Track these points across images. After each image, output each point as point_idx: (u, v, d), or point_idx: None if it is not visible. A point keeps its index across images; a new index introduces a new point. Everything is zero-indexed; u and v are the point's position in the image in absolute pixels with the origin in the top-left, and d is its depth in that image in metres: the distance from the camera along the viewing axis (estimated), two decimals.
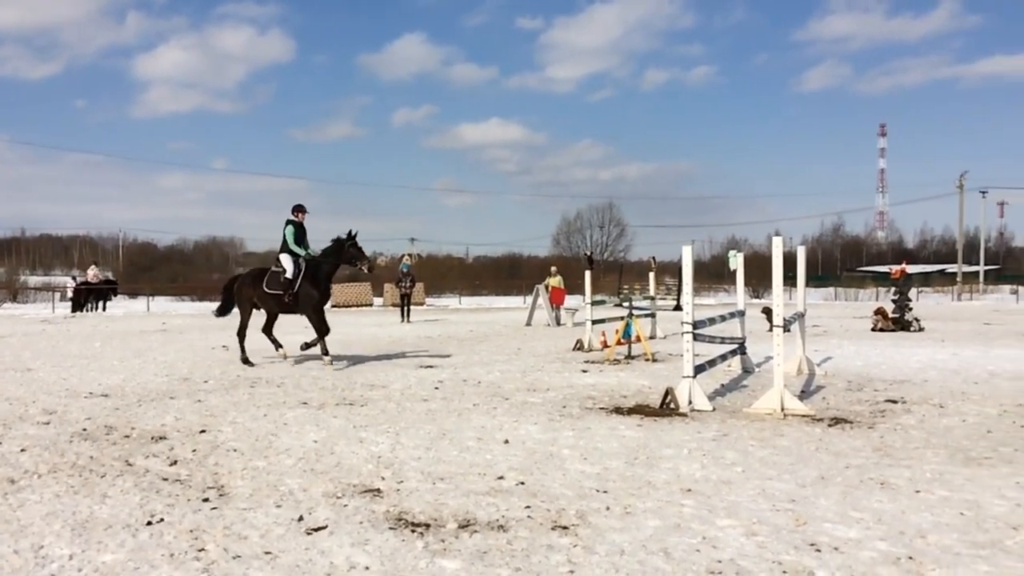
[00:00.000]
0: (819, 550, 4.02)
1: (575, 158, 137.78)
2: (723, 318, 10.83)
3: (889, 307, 21.26)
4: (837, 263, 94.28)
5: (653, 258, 29.41)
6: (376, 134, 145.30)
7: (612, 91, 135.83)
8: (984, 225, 77.30)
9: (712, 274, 65.19)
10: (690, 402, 8.24)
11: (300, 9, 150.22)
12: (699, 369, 8.66)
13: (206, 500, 4.98)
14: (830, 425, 7.38)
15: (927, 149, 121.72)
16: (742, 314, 11.88)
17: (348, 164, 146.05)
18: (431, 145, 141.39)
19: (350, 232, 12.39)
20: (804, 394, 9.19)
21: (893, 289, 22.73)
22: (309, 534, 4.31)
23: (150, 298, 45.36)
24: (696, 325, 8.65)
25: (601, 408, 8.42)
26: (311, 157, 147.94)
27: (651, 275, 20.38)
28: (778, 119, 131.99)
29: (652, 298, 19.55)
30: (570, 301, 26.58)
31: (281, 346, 13.01)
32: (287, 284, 12.21)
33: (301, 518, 4.59)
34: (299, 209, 12.70)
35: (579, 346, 15.40)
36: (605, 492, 5.11)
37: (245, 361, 12.63)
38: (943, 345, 15.85)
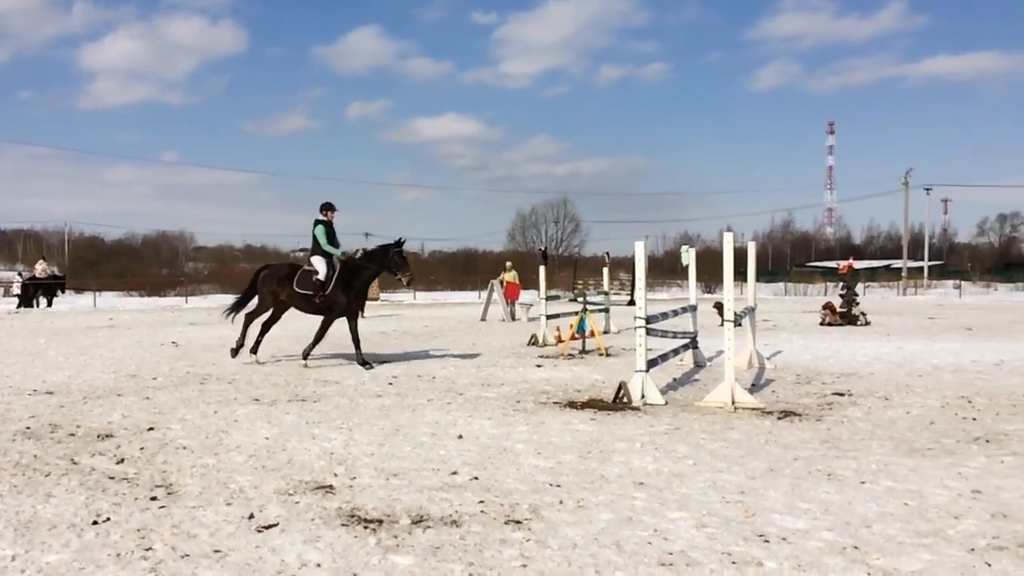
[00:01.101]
0: (767, 541, 4.09)
1: (530, 153, 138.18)
2: (675, 313, 10.95)
3: (837, 302, 21.67)
4: (787, 259, 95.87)
5: (607, 253, 29.56)
6: (330, 127, 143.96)
7: (567, 87, 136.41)
8: (928, 221, 79.37)
9: (665, 269, 65.83)
10: (643, 396, 8.32)
11: (252, 0, 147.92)
12: (652, 363, 8.74)
13: (154, 499, 4.89)
14: (779, 418, 7.51)
15: (874, 147, 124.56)
16: (694, 309, 12.02)
17: (302, 157, 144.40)
18: (386, 139, 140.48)
19: (399, 240, 11.91)
20: (754, 387, 9.33)
21: (841, 284, 23.19)
22: (260, 532, 4.26)
23: (97, 294, 44.42)
24: (649, 320, 8.73)
25: (555, 403, 8.45)
26: (264, 150, 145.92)
27: (605, 270, 20.48)
28: (730, 116, 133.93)
29: (606, 293, 19.68)
30: (525, 296, 26.63)
31: (258, 356, 12.37)
32: (320, 286, 11.64)
33: (252, 516, 4.53)
34: (328, 208, 12.11)
35: (533, 341, 15.45)
36: (558, 486, 5.14)
37: (239, 347, 12.25)
38: (889, 339, 16.21)
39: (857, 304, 21.36)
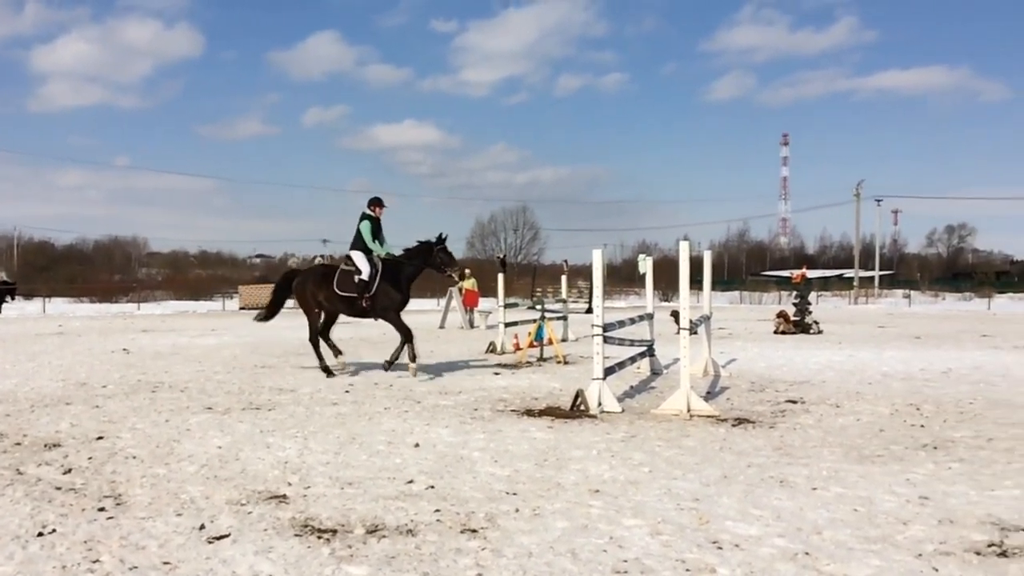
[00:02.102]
0: (721, 547, 4.13)
1: (489, 161, 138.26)
2: (632, 321, 11.03)
3: (791, 310, 22.01)
4: (742, 267, 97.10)
5: (565, 261, 29.64)
6: (287, 133, 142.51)
7: (527, 95, 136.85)
8: (879, 232, 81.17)
9: (623, 277, 66.24)
10: (600, 404, 8.35)
11: (208, 3, 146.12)
12: (609, 371, 8.79)
13: (102, 509, 4.79)
14: (734, 425, 7.59)
15: (827, 158, 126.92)
16: (651, 317, 12.11)
17: (258, 163, 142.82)
18: (344, 145, 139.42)
19: (440, 236, 11.40)
20: (710, 395, 9.43)
21: (794, 293, 23.54)
22: (211, 543, 4.19)
23: (46, 300, 43.41)
24: (606, 328, 8.78)
25: (512, 410, 8.45)
26: (219, 155, 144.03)
27: (563, 278, 20.57)
28: (687, 126, 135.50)
29: (564, 301, 19.75)
30: (484, 304, 26.61)
31: (340, 352, 11.93)
32: (363, 286, 11.03)
33: (203, 526, 4.46)
34: (376, 203, 11.47)
35: (492, 349, 15.44)
36: (515, 494, 5.13)
37: (325, 370, 11.45)
38: (840, 347, 16.50)
39: (810, 313, 21.71)
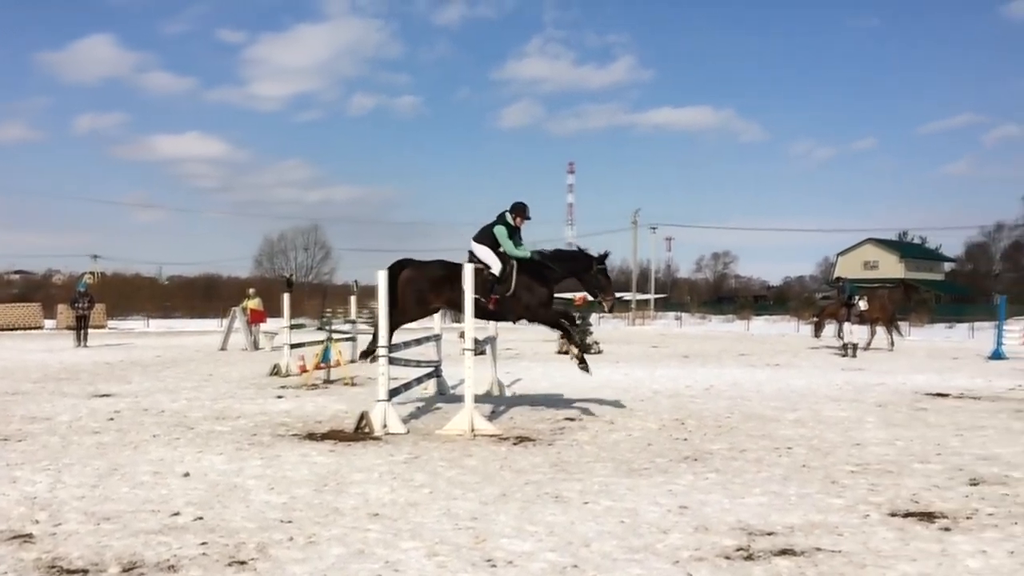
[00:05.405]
0: (495, 565, 4.20)
1: (280, 177, 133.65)
2: (419, 342, 11.05)
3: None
4: None
5: (356, 281, 29.26)
6: (56, 139, 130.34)
7: (320, 112, 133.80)
8: (655, 257, 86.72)
9: None
10: (385, 425, 8.29)
11: None
12: (394, 392, 8.75)
13: None
14: (515, 443, 7.78)
15: (609, 187, 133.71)
16: (439, 338, 12.20)
17: (21, 170, 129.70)
18: (120, 155, 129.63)
19: (603, 254, 9.70)
20: (494, 414, 9.61)
21: (577, 315, 24.57)
22: None
23: None
24: (392, 349, 8.75)
25: (294, 435, 8.20)
26: None
27: (352, 299, 20.29)
28: (480, 151, 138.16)
29: (353, 322, 19.47)
30: (271, 324, 25.68)
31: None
32: (491, 284, 9.33)
33: None
34: (519, 211, 9.63)
35: (276, 371, 14.92)
36: (289, 522, 4.97)
37: (368, 354, 9.43)
38: (617, 366, 17.42)
39: (591, 333, 22.76)
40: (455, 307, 9.70)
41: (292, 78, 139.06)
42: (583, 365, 9.55)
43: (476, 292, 9.13)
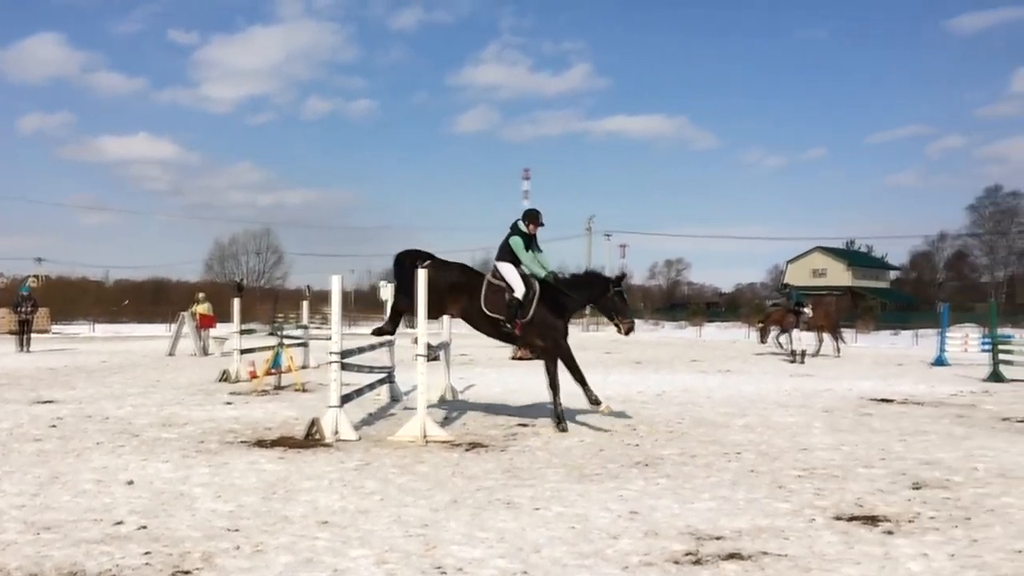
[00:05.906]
0: (444, 572, 4.18)
1: (232, 181, 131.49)
2: (372, 347, 10.98)
3: None
4: None
5: (308, 286, 29.01)
6: None
7: (273, 115, 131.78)
8: (609, 264, 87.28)
9: (371, 303, 65.84)
10: (336, 432, 8.21)
11: None
12: (347, 398, 8.67)
13: None
14: (467, 449, 7.76)
15: (563, 193, 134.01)
16: (391, 343, 12.12)
17: None
18: (66, 156, 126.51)
19: (621, 275, 9.63)
20: (447, 420, 9.58)
21: None
22: None
23: None
24: (344, 354, 8.67)
25: (243, 442, 8.07)
26: None
27: (304, 303, 20.09)
28: (436, 156, 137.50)
29: (305, 327, 19.26)
30: (221, 329, 25.29)
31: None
32: (516, 309, 9.04)
33: None
34: (532, 218, 9.36)
35: (225, 377, 14.69)
36: (236, 531, 4.89)
37: (379, 332, 9.91)
38: None
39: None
40: (468, 319, 9.53)
41: (245, 80, 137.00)
42: (605, 406, 9.18)
43: (500, 314, 9.09)
